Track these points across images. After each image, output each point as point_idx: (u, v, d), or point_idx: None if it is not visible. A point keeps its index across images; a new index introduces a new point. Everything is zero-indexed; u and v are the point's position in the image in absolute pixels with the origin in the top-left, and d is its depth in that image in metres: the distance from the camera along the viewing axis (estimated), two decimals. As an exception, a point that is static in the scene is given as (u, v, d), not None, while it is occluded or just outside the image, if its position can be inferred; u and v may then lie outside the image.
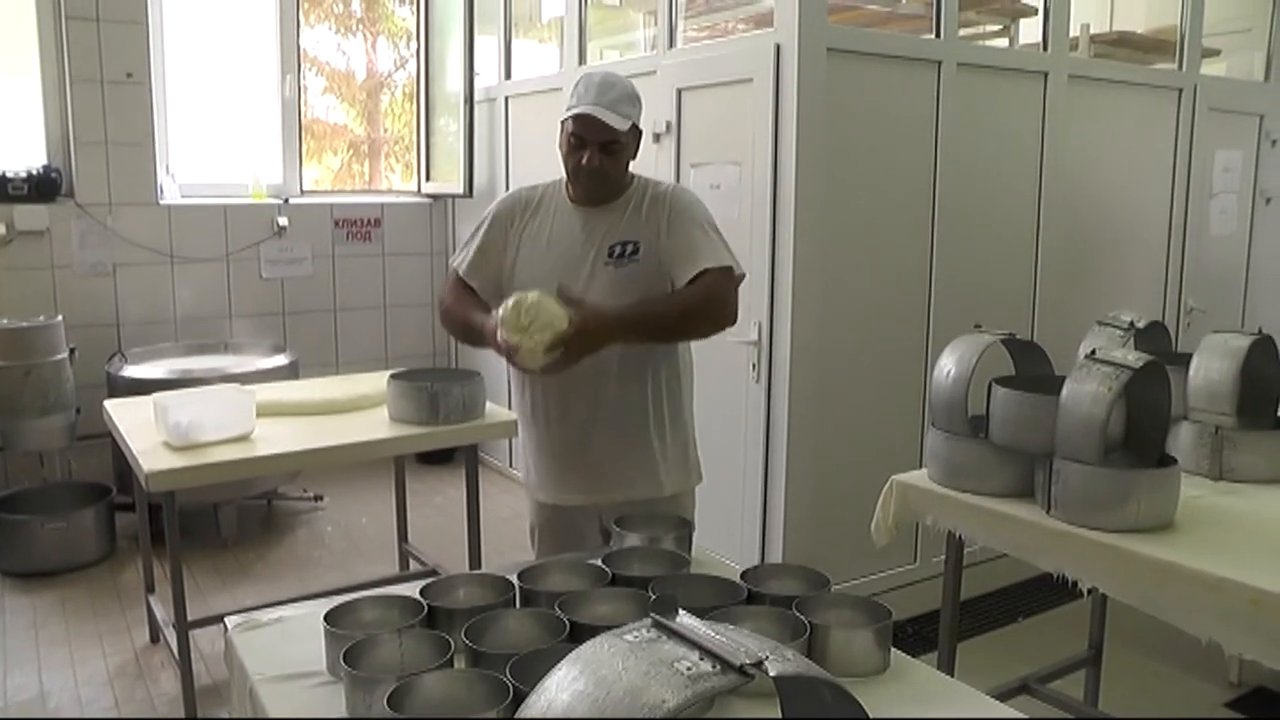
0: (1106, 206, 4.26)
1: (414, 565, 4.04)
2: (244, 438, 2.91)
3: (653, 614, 0.90)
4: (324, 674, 1.51)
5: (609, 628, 1.45)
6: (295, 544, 4.52)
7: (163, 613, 3.37)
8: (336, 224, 5.45)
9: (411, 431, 3.10)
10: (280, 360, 4.56)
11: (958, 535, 2.32)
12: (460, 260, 2.44)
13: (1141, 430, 2.15)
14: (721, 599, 1.58)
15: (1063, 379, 2.23)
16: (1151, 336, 2.57)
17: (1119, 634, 3.08)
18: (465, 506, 3.36)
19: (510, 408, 3.82)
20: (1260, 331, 2.43)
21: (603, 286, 2.26)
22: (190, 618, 3.02)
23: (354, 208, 5.55)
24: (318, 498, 4.92)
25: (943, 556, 2.46)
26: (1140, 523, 1.98)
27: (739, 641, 0.86)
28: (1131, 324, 2.56)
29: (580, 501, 2.40)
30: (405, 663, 1.43)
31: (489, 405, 3.28)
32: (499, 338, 2.07)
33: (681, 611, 0.89)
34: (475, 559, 3.40)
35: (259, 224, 5.21)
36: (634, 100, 2.29)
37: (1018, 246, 3.98)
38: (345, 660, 1.38)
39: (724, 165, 3.61)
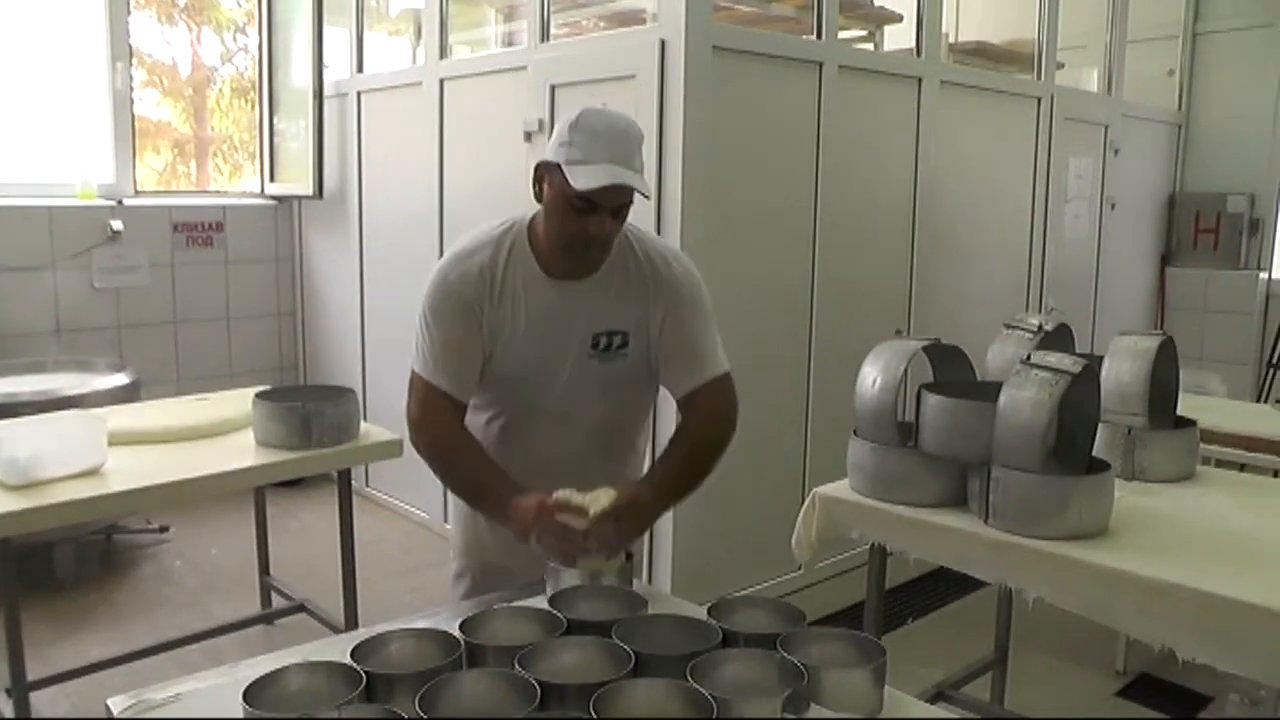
0: (975, 208, 4.35)
1: (278, 600, 3.71)
2: (93, 472, 2.56)
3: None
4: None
5: (581, 686, 1.29)
6: (141, 582, 4.09)
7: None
8: (175, 228, 4.99)
9: (282, 457, 2.83)
10: (119, 379, 4.09)
11: (883, 547, 2.27)
12: (435, 371, 1.90)
13: (1070, 435, 2.13)
14: (694, 642, 1.43)
15: (989, 385, 2.21)
16: (1059, 339, 2.58)
17: (1015, 632, 3.10)
18: (339, 538, 3.12)
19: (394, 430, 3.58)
20: (1162, 331, 2.47)
21: (584, 383, 1.94)
22: (29, 678, 2.65)
23: (194, 210, 5.10)
24: (163, 529, 4.48)
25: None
26: (1080, 529, 1.96)
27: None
28: (1040, 327, 2.56)
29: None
30: (349, 747, 1.21)
31: (363, 425, 3.04)
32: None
33: (813, 705, 0.75)
34: (350, 594, 3.15)
35: (90, 228, 4.69)
36: (642, 142, 1.84)
37: (895, 247, 4.01)
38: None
39: (607, 166, 3.47)
